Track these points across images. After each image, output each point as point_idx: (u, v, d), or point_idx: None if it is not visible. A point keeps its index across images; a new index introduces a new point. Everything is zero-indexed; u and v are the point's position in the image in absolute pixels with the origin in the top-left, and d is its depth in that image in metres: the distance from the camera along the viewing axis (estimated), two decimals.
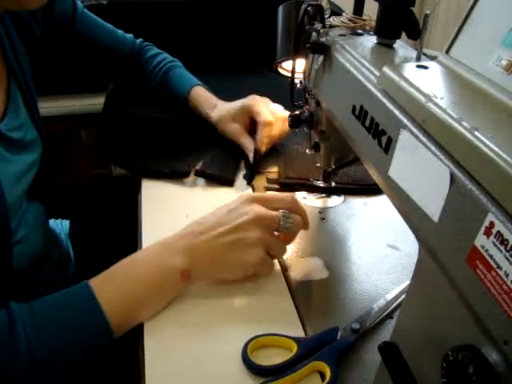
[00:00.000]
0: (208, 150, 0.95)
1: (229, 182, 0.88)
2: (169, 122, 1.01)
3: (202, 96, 1.00)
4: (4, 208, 0.65)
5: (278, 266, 0.70)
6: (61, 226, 1.02)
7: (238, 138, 0.94)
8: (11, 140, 0.71)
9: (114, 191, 1.49)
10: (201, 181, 0.89)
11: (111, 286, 0.57)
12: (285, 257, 0.71)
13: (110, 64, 1.04)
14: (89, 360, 0.56)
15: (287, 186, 0.88)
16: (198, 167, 0.89)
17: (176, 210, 0.80)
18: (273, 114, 0.92)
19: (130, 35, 1.06)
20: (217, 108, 0.97)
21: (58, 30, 0.90)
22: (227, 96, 1.04)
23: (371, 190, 0.87)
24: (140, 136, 0.99)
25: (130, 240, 0.82)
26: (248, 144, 0.92)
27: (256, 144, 0.91)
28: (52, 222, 1.01)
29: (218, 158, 0.93)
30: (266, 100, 0.95)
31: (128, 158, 0.93)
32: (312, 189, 0.86)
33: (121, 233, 1.04)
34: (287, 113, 0.89)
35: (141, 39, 1.08)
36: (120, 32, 1.03)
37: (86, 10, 0.95)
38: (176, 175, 0.89)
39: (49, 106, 1.24)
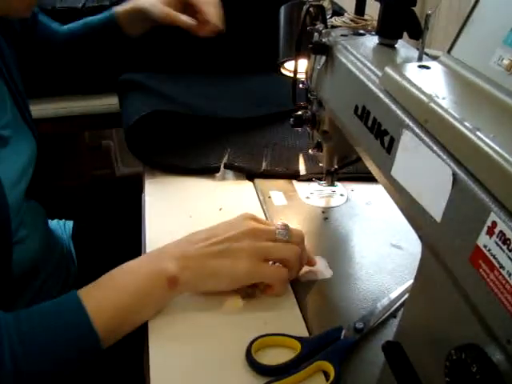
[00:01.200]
0: (229, 145, 0.96)
1: (256, 174, 0.90)
2: (189, 118, 1.01)
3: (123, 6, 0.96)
4: (5, 209, 0.65)
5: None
6: (64, 226, 1.02)
7: (175, 19, 0.89)
8: (2, 137, 0.71)
9: (118, 192, 1.50)
10: (205, 179, 0.89)
11: (99, 296, 0.56)
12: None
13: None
14: (76, 372, 0.54)
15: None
16: (224, 161, 0.91)
17: (179, 211, 0.81)
18: None
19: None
20: None
21: (31, 27, 0.90)
22: (229, 96, 1.04)
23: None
24: (162, 133, 0.99)
25: (133, 240, 0.83)
26: (187, 20, 0.89)
27: (214, 25, 0.90)
28: (55, 223, 1.02)
29: (241, 151, 0.95)
30: None
31: (153, 156, 0.93)
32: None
33: (124, 233, 1.05)
34: None
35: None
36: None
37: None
38: (206, 171, 0.90)
39: (53, 108, 1.24)
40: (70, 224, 1.04)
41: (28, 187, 0.78)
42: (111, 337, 0.56)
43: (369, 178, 0.87)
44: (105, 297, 0.56)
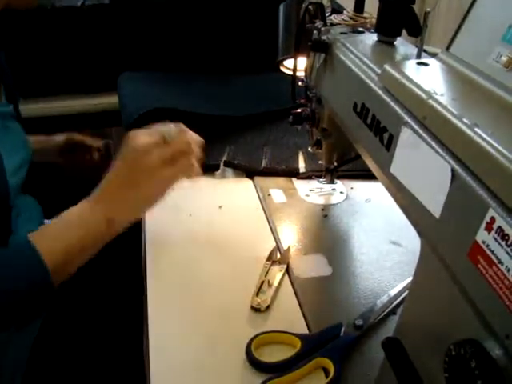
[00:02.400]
0: (229, 143, 0.97)
1: (256, 172, 0.90)
2: (189, 116, 1.01)
3: None
4: (6, 189, 0.65)
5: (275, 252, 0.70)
6: None
7: None
8: (6, 125, 0.71)
9: None
10: (204, 177, 0.89)
11: (50, 235, 0.61)
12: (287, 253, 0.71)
13: None
14: (24, 304, 0.56)
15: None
16: (224, 158, 0.91)
17: (179, 209, 0.81)
18: None
19: None
20: None
21: None
22: (228, 94, 1.04)
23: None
24: None
25: (132, 239, 0.82)
26: None
27: None
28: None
29: (241, 149, 0.95)
30: None
31: None
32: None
33: (123, 231, 1.04)
34: None
35: None
36: None
37: None
38: (206, 169, 0.90)
39: (53, 106, 1.24)
40: None
41: (26, 184, 0.78)
42: (60, 273, 0.59)
43: (368, 176, 0.87)
44: (55, 237, 0.60)
